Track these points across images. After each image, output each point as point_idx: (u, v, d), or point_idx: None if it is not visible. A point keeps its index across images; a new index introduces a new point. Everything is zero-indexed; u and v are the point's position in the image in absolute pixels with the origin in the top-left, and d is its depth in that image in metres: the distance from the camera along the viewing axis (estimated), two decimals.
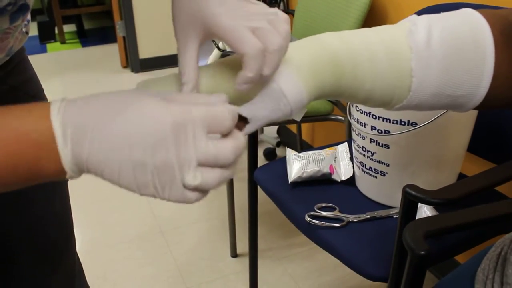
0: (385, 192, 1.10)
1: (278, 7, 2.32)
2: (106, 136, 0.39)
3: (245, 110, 0.48)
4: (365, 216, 1.07)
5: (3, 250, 0.78)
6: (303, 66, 0.50)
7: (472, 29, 0.51)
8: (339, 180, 1.20)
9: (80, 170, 0.41)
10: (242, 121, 0.48)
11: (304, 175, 1.19)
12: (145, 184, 0.40)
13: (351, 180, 1.19)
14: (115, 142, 0.39)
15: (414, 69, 0.51)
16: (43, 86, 0.85)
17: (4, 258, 0.78)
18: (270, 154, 2.44)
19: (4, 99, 0.74)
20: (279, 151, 2.50)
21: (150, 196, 0.42)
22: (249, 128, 0.49)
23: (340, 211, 1.09)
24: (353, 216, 1.07)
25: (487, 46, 0.51)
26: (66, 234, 0.91)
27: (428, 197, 0.78)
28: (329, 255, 1.03)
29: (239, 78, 0.47)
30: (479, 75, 0.51)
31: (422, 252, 0.67)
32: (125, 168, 0.40)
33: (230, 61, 0.52)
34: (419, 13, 1.31)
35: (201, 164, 0.41)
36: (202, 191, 0.43)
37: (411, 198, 0.78)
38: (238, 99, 0.51)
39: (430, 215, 0.97)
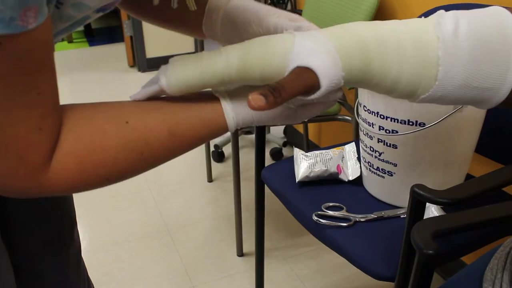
0: (392, 192, 1.10)
1: (286, 7, 2.32)
2: None
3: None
4: (373, 216, 1.07)
5: (7, 236, 0.79)
6: (332, 49, 0.51)
7: (499, 22, 0.51)
8: (346, 180, 1.20)
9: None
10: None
11: (312, 174, 1.19)
12: None
13: (359, 180, 1.19)
14: None
15: (441, 58, 0.51)
16: None
17: (7, 244, 0.79)
18: (276, 154, 2.44)
19: None
20: (285, 151, 2.50)
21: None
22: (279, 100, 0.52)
23: (347, 211, 1.09)
24: (360, 215, 1.07)
25: None
26: (70, 224, 0.91)
27: (436, 197, 0.78)
28: (336, 254, 1.03)
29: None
30: (506, 67, 0.51)
31: (431, 251, 0.67)
32: None
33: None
34: (428, 13, 1.31)
35: None
36: None
37: (419, 197, 0.78)
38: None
39: (437, 215, 0.97)
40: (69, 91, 3.52)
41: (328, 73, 0.50)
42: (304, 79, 0.50)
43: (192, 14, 0.68)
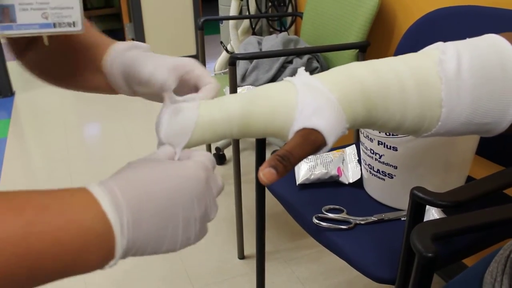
0: (393, 194, 1.10)
1: (287, 9, 2.32)
2: (160, 210, 0.44)
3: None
4: (373, 218, 1.07)
5: None
6: (335, 102, 0.51)
7: (500, 56, 0.52)
8: (346, 183, 1.20)
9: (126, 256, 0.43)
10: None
11: (312, 177, 1.19)
12: (188, 237, 0.47)
13: (359, 183, 1.19)
14: (166, 213, 0.44)
15: (444, 100, 0.52)
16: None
17: None
18: None
19: None
20: None
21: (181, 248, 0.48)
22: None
23: (347, 213, 1.09)
24: (360, 218, 1.07)
25: None
26: None
27: (436, 199, 0.77)
28: (336, 257, 1.03)
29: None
30: (506, 103, 0.52)
31: (430, 255, 0.66)
32: (175, 230, 0.46)
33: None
34: (429, 15, 1.31)
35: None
36: None
37: (419, 200, 0.78)
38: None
39: (438, 217, 0.97)
40: (71, 94, 3.52)
41: (334, 131, 0.51)
42: (311, 142, 0.50)
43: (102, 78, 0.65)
